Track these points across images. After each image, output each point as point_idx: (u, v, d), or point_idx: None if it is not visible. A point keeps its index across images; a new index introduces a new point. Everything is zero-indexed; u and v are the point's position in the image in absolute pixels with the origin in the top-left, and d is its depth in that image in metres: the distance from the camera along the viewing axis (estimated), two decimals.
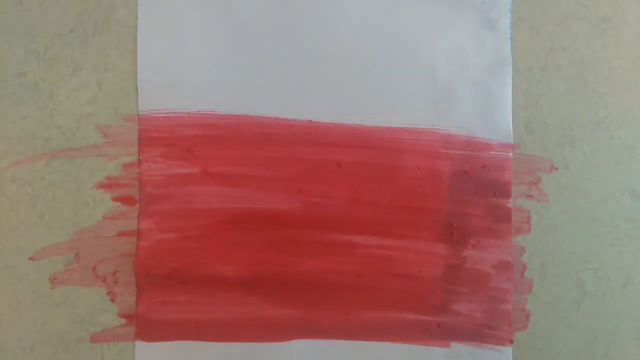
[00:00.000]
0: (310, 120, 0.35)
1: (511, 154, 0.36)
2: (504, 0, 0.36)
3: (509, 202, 0.36)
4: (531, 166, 0.36)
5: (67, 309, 0.34)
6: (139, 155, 0.34)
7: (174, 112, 0.34)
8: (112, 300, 0.34)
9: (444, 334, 0.35)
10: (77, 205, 0.34)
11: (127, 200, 0.34)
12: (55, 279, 0.34)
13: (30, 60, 0.34)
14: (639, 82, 0.37)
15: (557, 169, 0.36)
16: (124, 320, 0.34)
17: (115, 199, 0.34)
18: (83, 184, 0.34)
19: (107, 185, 0.34)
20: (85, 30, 0.34)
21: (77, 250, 0.34)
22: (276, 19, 0.35)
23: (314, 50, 0.35)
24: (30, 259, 0.34)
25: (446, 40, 0.36)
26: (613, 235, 0.36)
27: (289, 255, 0.34)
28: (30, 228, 0.34)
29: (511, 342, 0.35)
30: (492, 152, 0.36)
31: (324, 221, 0.35)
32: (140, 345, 0.34)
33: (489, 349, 0.35)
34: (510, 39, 0.36)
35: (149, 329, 0.34)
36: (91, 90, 0.34)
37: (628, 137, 0.36)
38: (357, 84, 0.35)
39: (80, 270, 0.34)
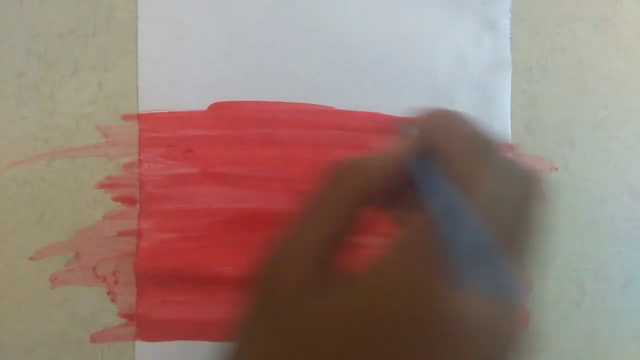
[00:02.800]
0: (311, 120, 0.35)
1: (510, 155, 0.36)
2: (504, 0, 0.36)
3: None
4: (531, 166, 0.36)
5: (67, 309, 0.34)
6: (139, 155, 0.34)
7: (174, 112, 0.34)
8: (112, 300, 0.34)
9: None
10: (77, 205, 0.34)
11: (127, 200, 0.34)
12: (56, 279, 0.34)
13: (30, 60, 0.34)
14: (639, 82, 0.37)
15: (557, 169, 0.36)
16: (124, 320, 0.34)
17: (115, 199, 0.34)
18: (83, 184, 0.34)
19: (108, 185, 0.34)
20: (85, 30, 0.34)
21: (77, 250, 0.34)
22: (276, 19, 0.35)
23: (315, 50, 0.35)
24: (30, 259, 0.34)
25: (446, 41, 0.36)
26: (613, 235, 0.36)
27: None
28: (30, 228, 0.34)
29: None
30: None
31: None
32: (141, 345, 0.34)
33: None
34: (510, 39, 0.36)
35: (149, 329, 0.34)
36: (91, 90, 0.34)
37: (628, 137, 0.36)
38: (357, 84, 0.35)
39: (81, 270, 0.34)
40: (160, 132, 0.34)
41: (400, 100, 0.35)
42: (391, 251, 0.17)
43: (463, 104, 0.36)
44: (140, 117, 0.34)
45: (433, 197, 0.17)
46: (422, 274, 0.16)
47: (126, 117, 0.34)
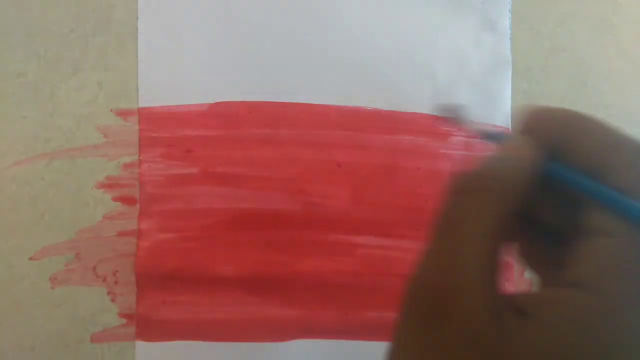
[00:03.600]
0: (311, 120, 0.35)
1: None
2: (504, 0, 0.36)
3: None
4: None
5: (67, 309, 0.34)
6: (139, 155, 0.34)
7: (175, 113, 0.34)
8: (113, 300, 0.34)
9: None
10: (77, 205, 0.34)
11: (127, 200, 0.34)
12: (55, 279, 0.34)
13: (30, 60, 0.34)
14: (639, 82, 0.37)
15: None
16: (124, 320, 0.34)
17: (115, 199, 0.34)
18: (83, 184, 0.34)
19: (107, 185, 0.34)
20: (85, 30, 0.34)
21: (77, 250, 0.34)
22: (276, 18, 0.35)
23: (314, 50, 0.35)
24: (30, 259, 0.34)
25: (446, 41, 0.36)
26: None
27: (289, 255, 0.34)
28: (30, 228, 0.34)
29: None
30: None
31: (324, 221, 0.35)
32: (141, 345, 0.34)
33: None
34: (510, 39, 0.36)
35: (149, 329, 0.34)
36: (91, 90, 0.34)
37: None
38: (357, 84, 0.35)
39: (81, 270, 0.34)
40: (160, 132, 0.34)
41: (400, 100, 0.35)
42: (593, 276, 0.15)
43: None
44: (140, 117, 0.34)
45: (608, 203, 0.15)
46: None
47: (126, 117, 0.34)
